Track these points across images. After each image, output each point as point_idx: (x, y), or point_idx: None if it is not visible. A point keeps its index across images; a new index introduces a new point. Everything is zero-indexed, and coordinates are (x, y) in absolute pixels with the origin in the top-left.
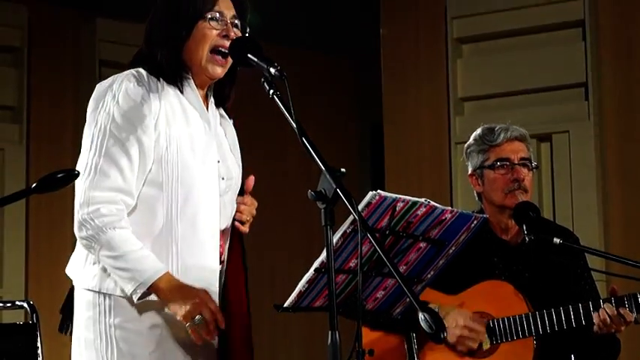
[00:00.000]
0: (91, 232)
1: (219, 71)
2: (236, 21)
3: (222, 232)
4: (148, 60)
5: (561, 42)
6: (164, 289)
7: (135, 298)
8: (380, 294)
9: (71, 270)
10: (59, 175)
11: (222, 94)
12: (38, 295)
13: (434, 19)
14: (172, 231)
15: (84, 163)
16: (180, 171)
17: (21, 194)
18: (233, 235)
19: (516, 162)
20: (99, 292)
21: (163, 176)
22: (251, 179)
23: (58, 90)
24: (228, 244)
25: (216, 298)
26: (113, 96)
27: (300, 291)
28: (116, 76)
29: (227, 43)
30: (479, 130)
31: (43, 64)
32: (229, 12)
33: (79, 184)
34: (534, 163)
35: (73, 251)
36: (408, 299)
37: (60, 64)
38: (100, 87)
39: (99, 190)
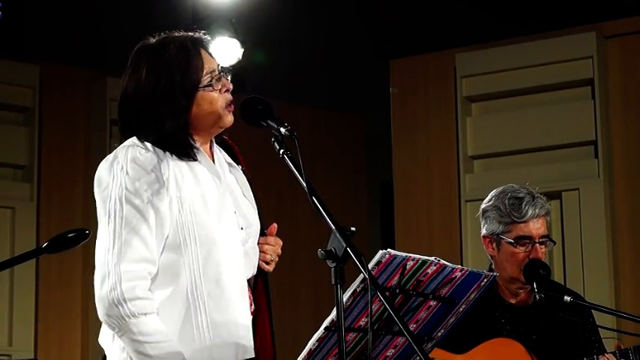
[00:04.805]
0: (123, 314)
1: (231, 119)
2: (222, 68)
3: (249, 281)
4: (151, 132)
5: (570, 100)
6: None
7: None
8: (390, 352)
9: (102, 340)
10: (70, 235)
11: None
12: (47, 353)
13: (443, 78)
14: (198, 291)
15: (105, 237)
16: (197, 231)
17: (32, 254)
18: (257, 280)
19: (537, 240)
20: None
21: (180, 239)
22: (273, 226)
23: (69, 149)
24: (252, 290)
25: (251, 353)
26: (121, 168)
27: (311, 349)
28: (118, 149)
29: (230, 96)
30: (504, 199)
31: (54, 123)
32: (213, 64)
33: (102, 258)
34: (552, 239)
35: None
36: (418, 358)
37: (71, 123)
38: (104, 163)
39: (126, 262)
